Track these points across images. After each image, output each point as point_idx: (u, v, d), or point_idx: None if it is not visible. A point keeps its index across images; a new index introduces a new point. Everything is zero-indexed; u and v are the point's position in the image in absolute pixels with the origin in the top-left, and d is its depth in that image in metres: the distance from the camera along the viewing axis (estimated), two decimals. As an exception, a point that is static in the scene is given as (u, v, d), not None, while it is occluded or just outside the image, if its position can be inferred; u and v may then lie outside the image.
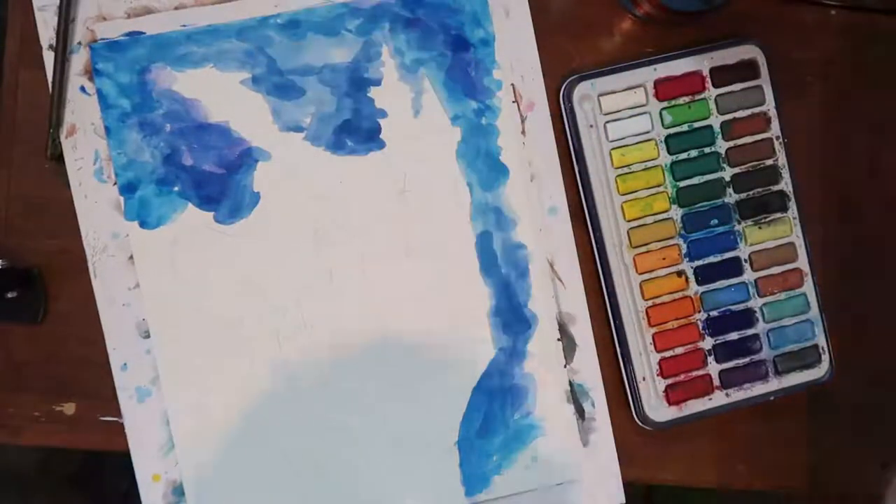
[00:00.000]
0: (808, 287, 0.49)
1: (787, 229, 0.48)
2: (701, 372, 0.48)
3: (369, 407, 0.46)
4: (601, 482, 0.47)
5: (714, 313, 0.48)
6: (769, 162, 0.48)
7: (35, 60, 0.45)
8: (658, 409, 0.47)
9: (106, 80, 0.45)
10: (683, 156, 0.48)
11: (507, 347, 0.47)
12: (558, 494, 0.47)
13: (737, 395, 0.48)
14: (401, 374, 0.47)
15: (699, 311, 0.48)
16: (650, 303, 0.47)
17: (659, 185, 0.48)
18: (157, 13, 0.46)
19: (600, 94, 0.47)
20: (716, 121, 0.48)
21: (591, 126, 0.47)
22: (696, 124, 0.48)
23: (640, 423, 0.47)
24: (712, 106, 0.48)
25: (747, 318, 0.48)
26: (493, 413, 0.47)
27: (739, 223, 0.48)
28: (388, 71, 0.47)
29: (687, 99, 0.48)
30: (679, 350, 0.48)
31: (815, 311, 0.49)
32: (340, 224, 0.46)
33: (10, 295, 0.44)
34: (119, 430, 0.45)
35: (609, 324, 0.48)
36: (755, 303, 0.48)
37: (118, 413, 0.45)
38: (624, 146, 0.47)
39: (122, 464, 0.45)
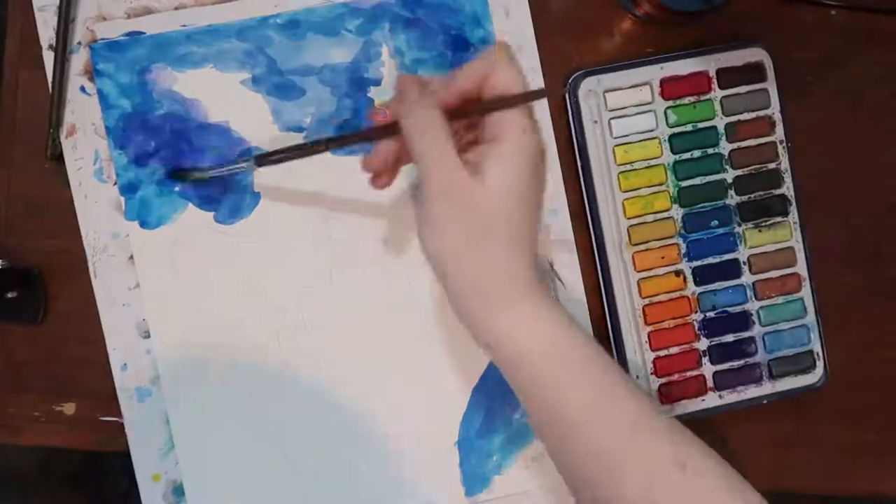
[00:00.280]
0: (806, 292, 0.49)
1: (788, 233, 0.48)
2: (695, 372, 0.48)
3: (369, 407, 0.46)
4: (601, 482, 0.47)
5: (711, 314, 0.48)
6: (772, 165, 0.48)
7: (35, 60, 0.45)
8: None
9: (106, 80, 0.45)
10: (686, 155, 0.48)
11: (507, 347, 0.47)
12: (558, 494, 0.47)
13: (730, 397, 0.48)
14: (401, 373, 0.47)
15: (696, 312, 0.48)
16: (647, 301, 0.47)
17: (661, 184, 0.48)
18: (157, 13, 0.45)
19: (606, 91, 0.47)
20: (720, 122, 0.48)
21: (596, 122, 0.47)
22: (701, 125, 0.48)
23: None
24: (717, 107, 0.48)
25: (744, 320, 0.48)
26: (494, 413, 0.47)
27: (740, 225, 0.48)
28: (388, 71, 0.47)
29: (692, 99, 0.48)
30: (674, 350, 0.48)
31: (811, 317, 0.49)
32: (340, 224, 0.46)
33: (10, 295, 0.44)
34: (119, 430, 0.45)
35: (608, 323, 0.48)
36: (752, 306, 0.48)
37: (118, 413, 0.45)
38: (627, 143, 0.47)
39: (122, 464, 0.45)
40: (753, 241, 0.48)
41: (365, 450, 0.46)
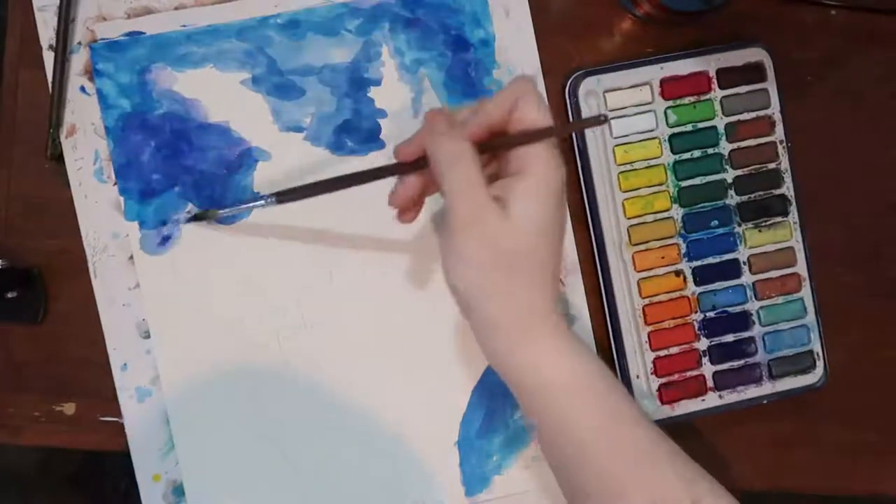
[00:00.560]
0: (806, 292, 0.49)
1: (788, 233, 0.48)
2: (695, 372, 0.48)
3: (369, 407, 0.46)
4: (601, 482, 0.47)
5: (710, 314, 0.48)
6: (772, 165, 0.48)
7: (35, 60, 0.45)
8: (650, 408, 0.47)
9: (106, 80, 0.45)
10: (686, 155, 0.48)
11: (507, 347, 0.47)
12: (558, 494, 0.47)
13: (730, 397, 0.48)
14: (401, 373, 0.47)
15: (696, 312, 0.48)
16: (647, 301, 0.47)
17: (661, 184, 0.48)
18: (157, 13, 0.45)
19: (606, 91, 0.47)
20: (720, 122, 0.48)
21: (596, 121, 0.47)
22: (701, 125, 0.48)
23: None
24: (717, 107, 0.48)
25: (744, 320, 0.48)
26: (494, 413, 0.47)
27: (740, 225, 0.48)
28: (388, 71, 0.47)
29: (692, 99, 0.48)
30: (674, 350, 0.48)
31: (811, 317, 0.49)
32: (340, 224, 0.46)
33: (10, 295, 0.44)
34: (119, 430, 0.45)
35: (608, 323, 0.48)
36: (752, 306, 0.48)
37: (118, 413, 0.45)
38: (627, 143, 0.47)
39: (122, 464, 0.45)
40: (753, 241, 0.48)
41: (365, 450, 0.46)
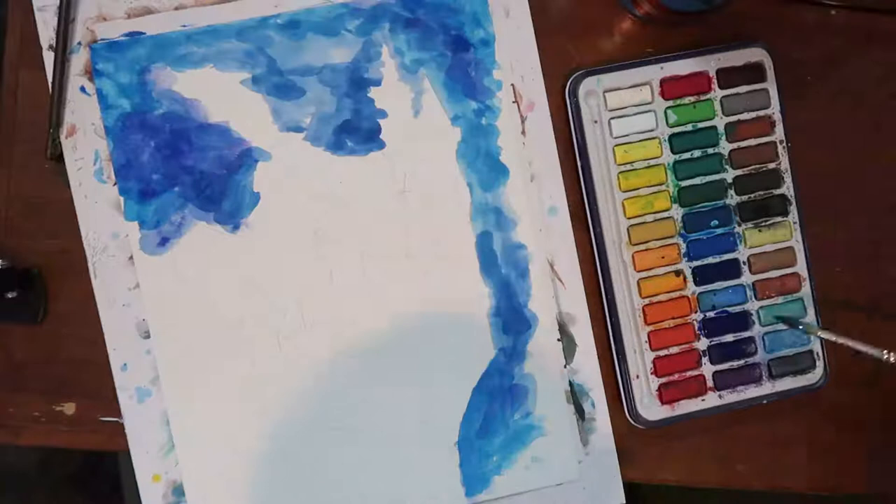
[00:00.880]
0: (806, 292, 0.49)
1: (787, 233, 0.48)
2: (695, 372, 0.48)
3: (369, 407, 0.46)
4: (601, 482, 0.48)
5: (710, 314, 0.48)
6: (772, 165, 0.48)
7: (35, 60, 0.45)
8: (650, 408, 0.47)
9: (106, 80, 0.45)
10: (686, 155, 0.48)
11: (507, 347, 0.47)
12: (558, 494, 0.47)
13: (730, 397, 0.48)
14: (400, 373, 0.47)
15: (695, 312, 0.48)
16: (647, 301, 0.47)
17: (661, 184, 0.48)
18: (157, 13, 0.45)
19: (606, 91, 0.47)
20: (720, 122, 0.48)
21: (596, 122, 0.47)
22: (701, 124, 0.48)
23: (632, 422, 0.47)
24: (717, 107, 0.48)
25: (743, 320, 0.48)
26: (494, 413, 0.47)
27: (740, 225, 0.48)
28: (388, 71, 0.47)
29: (692, 99, 0.48)
30: (674, 349, 0.48)
31: (811, 317, 0.49)
32: (340, 224, 0.46)
33: (10, 295, 0.44)
34: (119, 430, 0.45)
35: (607, 323, 0.48)
36: (752, 305, 0.48)
37: (118, 413, 0.45)
38: (627, 143, 0.47)
39: (122, 464, 0.45)
40: (753, 241, 0.48)
41: (365, 450, 0.46)
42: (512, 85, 0.48)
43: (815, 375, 0.49)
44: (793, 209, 0.49)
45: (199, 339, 0.45)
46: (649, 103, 0.47)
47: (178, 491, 0.45)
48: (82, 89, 0.45)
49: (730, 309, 0.48)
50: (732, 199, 0.48)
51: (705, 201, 0.48)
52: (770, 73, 0.48)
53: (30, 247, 0.45)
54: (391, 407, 0.46)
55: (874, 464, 0.51)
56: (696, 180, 0.48)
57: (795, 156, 0.49)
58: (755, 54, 0.48)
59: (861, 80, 0.51)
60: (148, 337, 0.45)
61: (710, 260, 0.48)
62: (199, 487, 0.45)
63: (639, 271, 0.47)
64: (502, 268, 0.47)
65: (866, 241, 0.51)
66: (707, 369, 0.48)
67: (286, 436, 0.46)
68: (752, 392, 0.48)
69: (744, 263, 0.48)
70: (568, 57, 0.49)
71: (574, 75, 0.47)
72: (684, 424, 0.48)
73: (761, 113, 0.48)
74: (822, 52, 0.51)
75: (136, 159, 0.45)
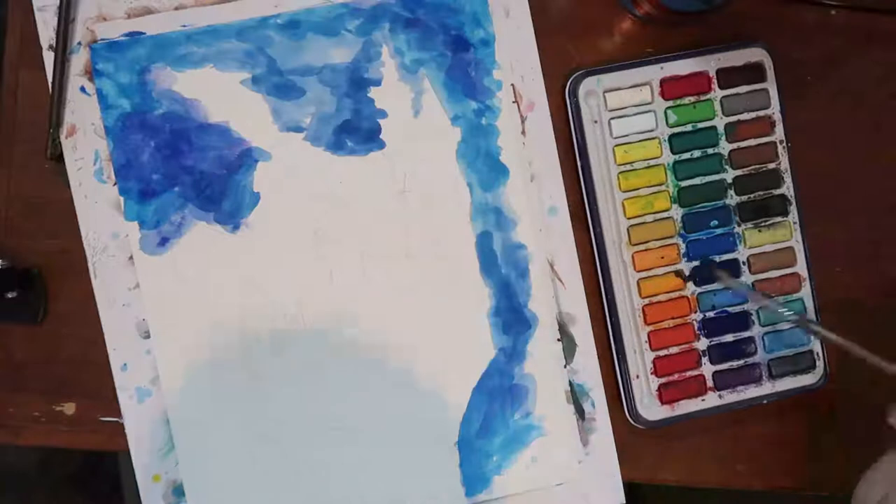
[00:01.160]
0: (806, 292, 0.49)
1: (787, 233, 0.48)
2: (695, 372, 0.48)
3: (369, 407, 0.46)
4: (601, 482, 0.48)
5: (710, 314, 0.48)
6: (772, 165, 0.48)
7: (35, 60, 0.45)
8: (650, 408, 0.47)
9: (106, 80, 0.45)
10: (686, 156, 0.48)
11: (507, 347, 0.47)
12: (558, 494, 0.47)
13: (730, 397, 0.48)
14: (401, 374, 0.47)
15: (695, 312, 0.48)
16: (647, 301, 0.47)
17: (661, 184, 0.48)
18: (157, 13, 0.45)
19: (606, 91, 0.47)
20: (720, 122, 0.48)
21: (596, 122, 0.47)
22: (701, 125, 0.48)
23: (632, 422, 0.47)
24: (717, 107, 0.48)
25: (743, 320, 0.48)
26: (493, 413, 0.47)
27: (739, 225, 0.48)
28: (388, 71, 0.47)
29: (692, 99, 0.48)
30: (674, 349, 0.48)
31: (811, 317, 0.49)
32: (340, 224, 0.46)
33: (10, 295, 0.44)
34: (119, 430, 0.45)
35: (607, 323, 0.48)
36: (752, 306, 0.48)
37: (118, 413, 0.45)
38: (627, 143, 0.47)
39: (122, 464, 0.45)
40: (753, 241, 0.48)
41: (365, 450, 0.46)
42: (512, 85, 0.48)
43: (815, 375, 0.49)
44: (793, 209, 0.49)
45: (199, 339, 0.45)
46: (649, 103, 0.47)
47: (178, 491, 0.45)
48: (82, 89, 0.45)
49: (730, 309, 0.48)
50: (732, 199, 0.48)
51: (705, 201, 0.48)
52: (770, 73, 0.48)
53: (30, 247, 0.45)
54: (391, 407, 0.46)
55: (874, 464, 0.51)
56: (696, 180, 0.48)
57: (795, 156, 0.49)
58: (755, 54, 0.48)
59: (861, 80, 0.51)
60: (148, 337, 0.45)
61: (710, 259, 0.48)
62: (199, 487, 0.45)
63: (639, 271, 0.47)
64: (502, 268, 0.47)
65: (866, 241, 0.51)
66: (707, 369, 0.48)
67: (286, 435, 0.46)
68: (752, 392, 0.48)
69: (744, 263, 0.48)
70: (568, 57, 0.49)
71: (574, 75, 0.47)
72: (684, 424, 0.48)
73: (761, 113, 0.48)
74: (822, 52, 0.51)
75: (136, 159, 0.45)
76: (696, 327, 0.48)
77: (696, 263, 0.48)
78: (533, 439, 0.47)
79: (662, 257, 0.48)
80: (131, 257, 0.45)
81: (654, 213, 0.48)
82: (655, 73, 0.47)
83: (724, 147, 0.48)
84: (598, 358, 0.48)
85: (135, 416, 0.45)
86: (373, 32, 0.47)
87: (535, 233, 0.47)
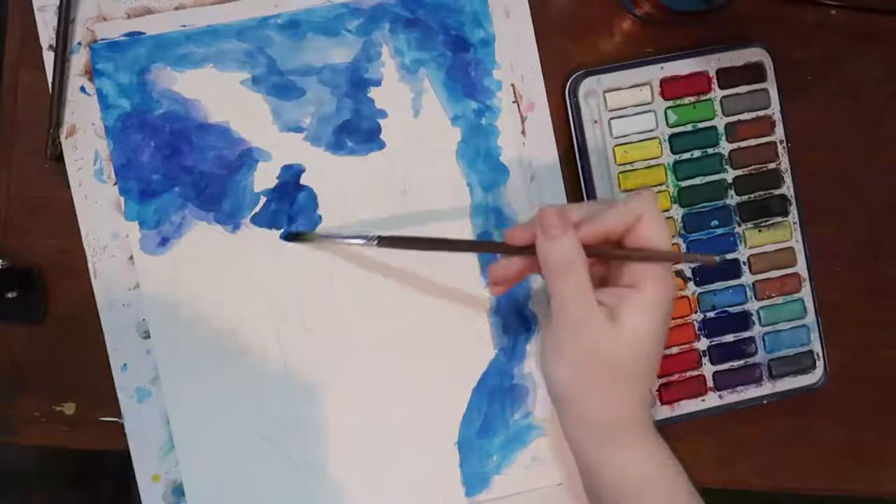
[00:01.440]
0: (806, 292, 0.49)
1: (787, 233, 0.48)
2: (695, 372, 0.48)
3: (369, 407, 0.46)
4: (601, 482, 0.47)
5: (711, 314, 0.48)
6: (772, 165, 0.48)
7: (35, 60, 0.45)
8: (650, 408, 0.47)
9: (106, 80, 0.45)
10: (686, 156, 0.48)
11: (507, 347, 0.47)
12: (558, 494, 0.47)
13: (730, 397, 0.48)
14: (401, 374, 0.47)
15: (696, 312, 0.48)
16: (648, 302, 0.47)
17: (661, 184, 0.48)
18: (157, 13, 0.45)
19: (606, 91, 0.47)
20: (720, 122, 0.48)
21: (596, 122, 0.47)
22: (701, 125, 0.48)
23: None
24: (717, 107, 0.48)
25: (743, 320, 0.48)
26: (494, 413, 0.47)
27: (740, 225, 0.48)
28: (388, 71, 0.47)
29: (692, 99, 0.48)
30: (674, 349, 0.48)
31: (811, 317, 0.49)
32: (340, 224, 0.46)
33: (10, 295, 0.44)
34: (119, 430, 0.45)
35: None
36: (752, 306, 0.48)
37: (118, 413, 0.45)
38: (627, 143, 0.47)
39: (122, 464, 0.45)
40: (753, 241, 0.48)
41: (365, 450, 0.46)
42: (512, 85, 0.48)
43: (815, 375, 0.49)
44: (793, 209, 0.49)
45: (199, 339, 0.45)
46: (649, 103, 0.47)
47: (178, 491, 0.45)
48: (82, 89, 0.45)
49: (730, 309, 0.48)
50: (732, 199, 0.48)
51: (705, 201, 0.48)
52: (770, 73, 0.48)
53: (30, 247, 0.45)
54: (391, 407, 0.46)
55: (874, 464, 0.51)
56: (696, 180, 0.48)
57: (795, 156, 0.49)
58: (755, 54, 0.48)
59: (861, 80, 0.51)
60: (148, 337, 0.45)
61: (710, 260, 0.48)
62: (199, 487, 0.45)
63: (639, 271, 0.47)
64: (502, 268, 0.47)
65: (866, 241, 0.51)
66: (707, 369, 0.48)
67: (286, 436, 0.46)
68: (752, 392, 0.48)
69: (744, 263, 0.48)
70: (568, 57, 0.48)
71: (574, 75, 0.47)
72: (684, 424, 0.48)
73: (761, 113, 0.48)
74: (822, 52, 0.51)
75: (136, 159, 0.45)
76: (696, 327, 0.48)
77: (696, 264, 0.48)
78: (533, 439, 0.47)
79: (662, 257, 0.48)
80: (131, 257, 0.45)
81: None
82: (655, 73, 0.47)
83: (724, 147, 0.48)
84: (598, 358, 0.48)
85: (135, 416, 0.45)
86: (373, 32, 0.47)
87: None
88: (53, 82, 0.44)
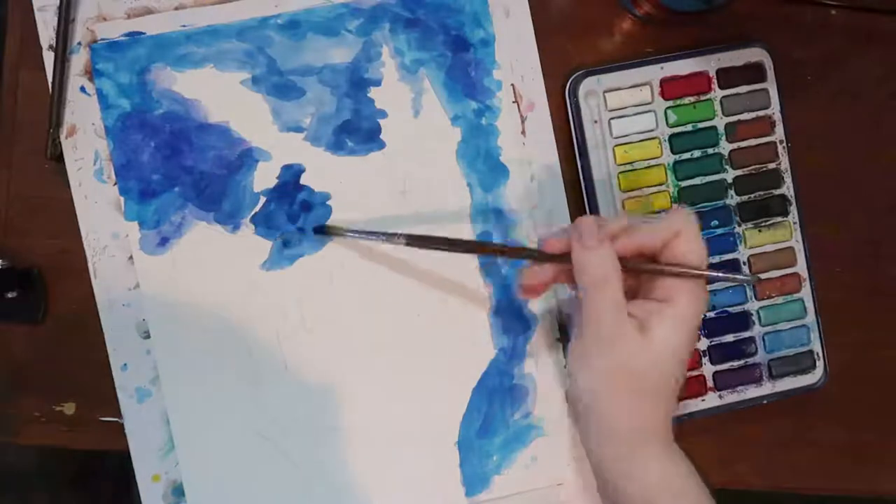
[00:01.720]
0: (806, 292, 0.49)
1: (787, 233, 0.48)
2: (695, 373, 0.48)
3: (369, 407, 0.46)
4: (601, 482, 0.47)
5: (710, 314, 0.48)
6: (772, 165, 0.48)
7: (35, 60, 0.45)
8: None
9: (106, 80, 0.45)
10: (686, 156, 0.48)
11: (507, 347, 0.47)
12: (558, 494, 0.47)
13: (730, 397, 0.48)
14: (401, 373, 0.47)
15: (697, 312, 0.48)
16: (649, 302, 0.47)
17: (661, 184, 0.48)
18: (157, 13, 0.45)
19: (606, 91, 0.47)
20: (720, 122, 0.48)
21: (596, 122, 0.47)
22: (701, 125, 0.48)
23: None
24: (717, 107, 0.48)
25: (743, 320, 0.48)
26: (493, 413, 0.47)
27: (740, 225, 0.48)
28: (388, 71, 0.47)
29: (692, 99, 0.48)
30: (675, 350, 0.48)
31: (811, 317, 0.49)
32: (340, 224, 0.46)
33: (10, 295, 0.44)
34: (119, 430, 0.45)
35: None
36: (752, 306, 0.48)
37: (118, 413, 0.45)
38: (627, 143, 0.47)
39: (122, 464, 0.45)
40: (753, 241, 0.48)
41: (364, 450, 0.46)
42: (512, 85, 0.48)
43: (815, 375, 0.49)
44: (793, 209, 0.49)
45: (199, 339, 0.45)
46: (649, 103, 0.47)
47: (178, 491, 0.45)
48: (82, 89, 0.45)
49: (730, 309, 0.48)
50: (732, 199, 0.48)
51: (705, 201, 0.48)
52: (770, 73, 0.48)
53: (30, 247, 0.45)
54: (391, 407, 0.46)
55: (874, 464, 0.51)
56: (696, 180, 0.48)
57: (795, 156, 0.49)
58: (755, 54, 0.48)
59: (861, 80, 0.51)
60: (148, 337, 0.45)
61: (711, 260, 0.48)
62: (199, 487, 0.45)
63: (639, 271, 0.47)
64: (502, 267, 0.47)
65: (866, 241, 0.51)
66: (707, 369, 0.48)
67: (286, 436, 0.46)
68: (752, 392, 0.48)
69: (744, 263, 0.48)
70: (568, 57, 0.48)
71: (574, 75, 0.47)
72: (684, 424, 0.48)
73: (761, 113, 0.48)
74: (822, 52, 0.51)
75: (136, 159, 0.45)
76: (696, 327, 0.48)
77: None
78: (533, 439, 0.47)
79: (662, 257, 0.47)
80: (131, 257, 0.45)
81: (654, 213, 0.48)
82: (655, 73, 0.47)
83: (724, 147, 0.48)
84: (598, 358, 0.48)
85: (135, 416, 0.45)
86: (373, 32, 0.47)
87: (535, 232, 0.47)
88: (53, 82, 0.44)
